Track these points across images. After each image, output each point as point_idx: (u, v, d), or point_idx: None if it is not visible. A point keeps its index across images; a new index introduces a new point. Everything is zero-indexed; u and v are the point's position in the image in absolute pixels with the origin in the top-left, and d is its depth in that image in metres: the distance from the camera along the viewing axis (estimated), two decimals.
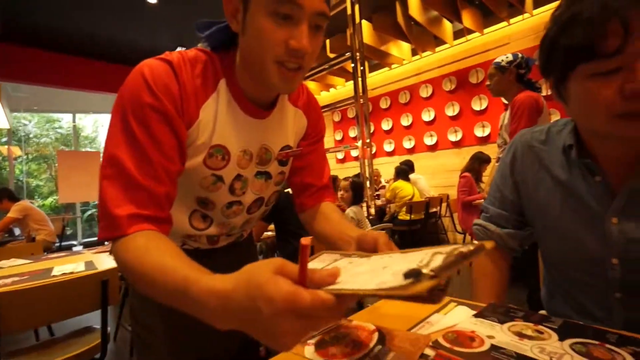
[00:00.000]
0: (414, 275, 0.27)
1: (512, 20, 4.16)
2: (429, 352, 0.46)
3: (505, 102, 2.04)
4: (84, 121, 8.49)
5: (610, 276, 0.58)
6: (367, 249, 0.49)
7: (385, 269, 0.33)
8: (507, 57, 1.91)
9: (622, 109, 0.47)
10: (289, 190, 1.81)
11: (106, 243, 2.22)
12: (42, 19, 4.12)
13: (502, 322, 0.53)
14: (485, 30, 4.36)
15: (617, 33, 0.43)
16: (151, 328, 0.66)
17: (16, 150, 6.76)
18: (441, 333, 0.51)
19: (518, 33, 4.15)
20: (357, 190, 2.58)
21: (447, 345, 0.47)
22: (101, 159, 0.49)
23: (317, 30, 0.50)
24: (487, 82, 2.00)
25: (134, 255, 0.42)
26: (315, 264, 0.44)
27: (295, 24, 0.47)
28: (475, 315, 0.57)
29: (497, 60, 1.96)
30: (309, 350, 0.48)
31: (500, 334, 0.49)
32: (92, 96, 5.64)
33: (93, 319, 1.25)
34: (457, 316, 0.58)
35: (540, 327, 0.51)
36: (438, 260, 0.29)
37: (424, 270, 0.27)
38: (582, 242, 0.60)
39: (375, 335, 0.51)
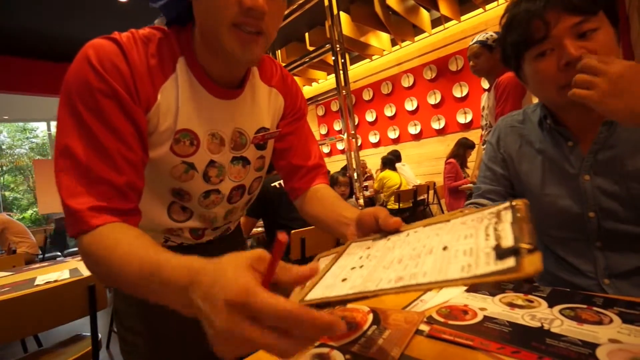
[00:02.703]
0: (511, 253, 0.24)
1: (487, 7, 4.23)
2: (424, 327, 0.46)
3: (485, 85, 2.00)
4: None
5: (589, 228, 0.65)
6: (368, 227, 0.47)
7: (446, 250, 0.30)
8: (491, 35, 1.82)
9: (563, 80, 0.58)
10: (277, 184, 1.79)
11: None
12: (8, 23, 3.93)
13: (493, 295, 0.54)
14: (462, 18, 4.41)
15: (540, 26, 0.59)
16: (134, 330, 0.64)
17: None
18: (435, 309, 0.51)
19: (494, 19, 4.21)
20: (351, 185, 2.63)
21: (441, 319, 0.47)
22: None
23: None
24: (471, 63, 1.91)
25: (103, 251, 0.39)
26: (345, 260, 0.40)
27: None
28: (467, 291, 0.57)
29: (479, 38, 1.85)
30: None
31: (492, 305, 0.50)
32: None
33: (83, 326, 1.21)
34: (450, 292, 0.59)
35: (530, 297, 0.52)
36: (507, 230, 0.27)
37: (520, 245, 0.24)
38: (562, 202, 0.67)
39: (370, 316, 0.51)
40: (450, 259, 0.28)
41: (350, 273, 0.34)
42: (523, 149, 0.73)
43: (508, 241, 0.26)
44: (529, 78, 0.66)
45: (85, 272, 1.31)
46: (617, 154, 0.61)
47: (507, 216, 0.30)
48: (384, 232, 0.44)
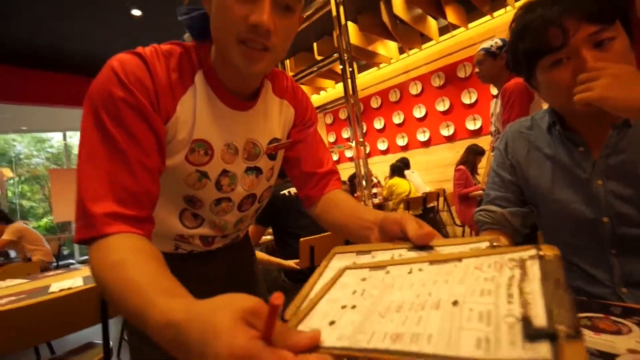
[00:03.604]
0: (545, 336, 0.19)
1: (495, 14, 4.22)
2: None
3: (493, 92, 2.01)
4: (75, 139, 8.40)
5: (603, 234, 0.63)
6: (392, 235, 0.45)
7: (456, 306, 0.24)
8: (496, 43, 1.84)
9: None
10: (286, 192, 1.80)
11: None
12: (26, 36, 4.10)
13: None
14: (470, 25, 4.41)
15: (558, 34, 0.57)
16: (146, 338, 0.65)
17: (7, 172, 6.70)
18: None
19: (502, 26, 4.20)
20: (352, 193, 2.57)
21: None
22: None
23: (287, 10, 0.48)
24: (477, 70, 1.94)
25: (109, 269, 0.38)
26: (337, 291, 0.34)
27: (258, 0, 0.45)
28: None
29: (484, 45, 1.88)
30: None
31: None
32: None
33: (95, 334, 1.22)
34: None
35: None
36: (536, 293, 0.22)
37: (557, 327, 0.19)
38: (575, 207, 0.66)
39: None
40: (461, 323, 0.23)
41: (341, 314, 0.30)
42: (531, 154, 0.72)
43: (539, 315, 0.20)
44: (542, 86, 0.65)
45: None
46: (630, 157, 0.60)
47: (535, 270, 0.25)
48: (410, 242, 0.41)
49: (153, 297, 0.33)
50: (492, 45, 1.85)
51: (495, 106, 1.95)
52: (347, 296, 0.32)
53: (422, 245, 0.39)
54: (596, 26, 0.55)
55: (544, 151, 0.71)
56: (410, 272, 0.32)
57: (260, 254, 1.84)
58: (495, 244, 0.33)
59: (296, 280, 1.73)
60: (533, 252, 0.26)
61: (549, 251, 0.26)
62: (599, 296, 0.64)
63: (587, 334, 0.41)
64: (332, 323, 0.28)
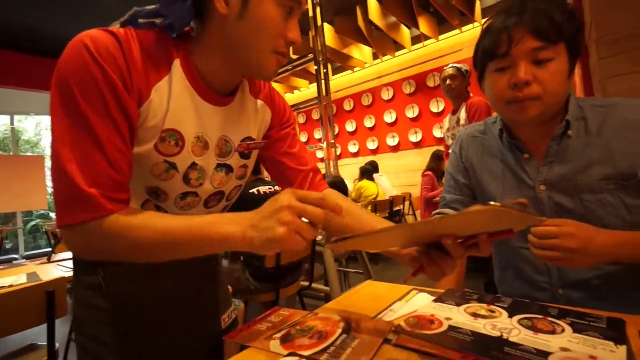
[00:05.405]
0: (512, 206, 0.37)
1: (463, 28, 4.44)
2: (392, 336, 0.47)
3: (453, 106, 2.38)
4: (24, 123, 7.74)
5: None
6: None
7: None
8: (464, 66, 2.21)
9: (509, 96, 0.64)
10: (255, 190, 1.78)
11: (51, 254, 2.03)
12: None
13: (458, 305, 0.56)
14: (440, 37, 4.61)
15: (505, 41, 0.63)
16: (99, 339, 0.60)
17: None
18: (403, 318, 0.53)
19: (469, 40, 4.43)
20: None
21: (408, 329, 0.49)
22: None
23: None
24: (448, 82, 2.24)
25: (137, 229, 0.45)
26: None
27: (292, 18, 0.52)
28: (435, 300, 0.59)
29: (455, 65, 2.21)
30: (274, 344, 0.48)
31: (457, 315, 0.52)
32: (33, 96, 5.03)
33: (39, 335, 1.14)
34: (418, 302, 0.61)
35: (492, 307, 0.55)
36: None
37: (517, 207, 0.37)
38: None
39: (341, 325, 0.52)
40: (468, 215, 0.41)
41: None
42: (484, 158, 0.77)
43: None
44: (486, 87, 0.71)
45: (45, 277, 1.23)
46: (571, 167, 0.65)
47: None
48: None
49: (209, 218, 0.46)
50: (462, 67, 2.23)
51: (449, 121, 2.27)
52: None
53: None
54: (539, 42, 0.60)
55: (496, 156, 0.75)
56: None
57: None
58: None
59: (260, 280, 1.71)
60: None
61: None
62: (540, 299, 0.70)
63: (527, 334, 0.45)
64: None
